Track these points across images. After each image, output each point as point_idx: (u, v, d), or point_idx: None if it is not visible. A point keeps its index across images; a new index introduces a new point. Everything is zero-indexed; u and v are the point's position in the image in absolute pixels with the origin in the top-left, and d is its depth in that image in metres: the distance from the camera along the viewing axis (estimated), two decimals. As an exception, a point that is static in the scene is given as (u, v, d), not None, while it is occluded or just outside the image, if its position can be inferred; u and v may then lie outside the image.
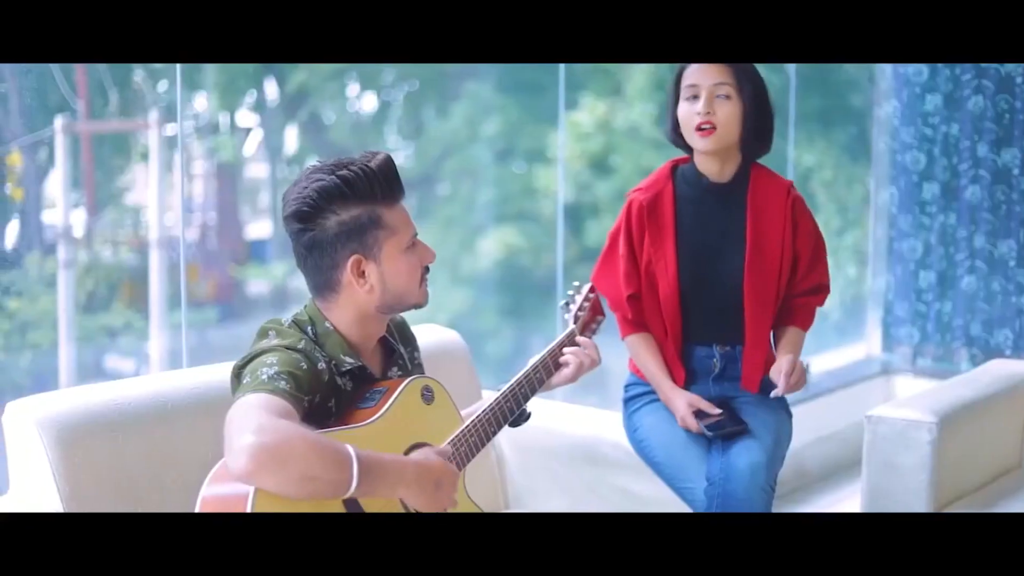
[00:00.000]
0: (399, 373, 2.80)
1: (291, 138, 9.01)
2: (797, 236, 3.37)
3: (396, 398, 2.64)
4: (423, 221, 8.48)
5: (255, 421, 2.31)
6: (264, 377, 2.46)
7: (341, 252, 2.61)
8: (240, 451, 2.26)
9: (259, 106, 8.69)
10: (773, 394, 3.27)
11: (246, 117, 8.90)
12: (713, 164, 3.36)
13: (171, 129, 8.52)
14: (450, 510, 2.59)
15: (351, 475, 2.34)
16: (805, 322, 3.45)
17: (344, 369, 2.65)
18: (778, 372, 3.26)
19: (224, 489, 2.35)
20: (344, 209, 2.59)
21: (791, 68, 6.49)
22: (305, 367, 2.54)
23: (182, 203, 5.21)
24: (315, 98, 8.11)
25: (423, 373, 2.91)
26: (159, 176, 7.08)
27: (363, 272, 2.63)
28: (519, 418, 2.97)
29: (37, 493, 2.77)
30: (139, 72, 7.74)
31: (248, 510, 2.28)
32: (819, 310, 3.51)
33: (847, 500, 5.21)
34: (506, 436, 3.69)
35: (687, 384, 3.41)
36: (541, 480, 3.67)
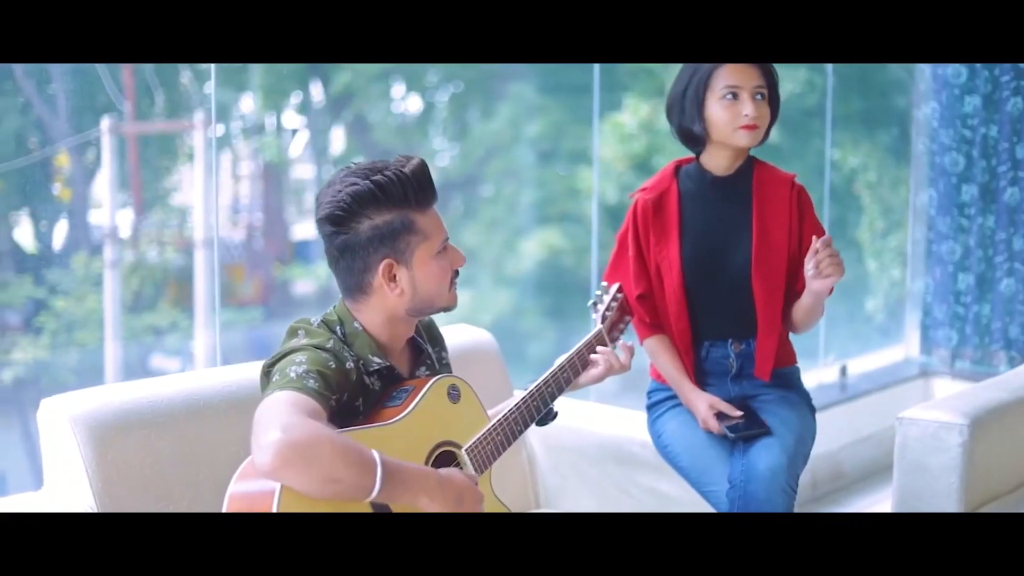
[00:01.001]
0: (427, 373, 2.83)
1: (337, 139, 9.04)
2: (804, 226, 3.39)
3: (422, 397, 2.66)
4: (467, 222, 8.52)
5: (283, 418, 2.34)
6: (293, 375, 2.50)
7: (373, 256, 2.64)
8: (267, 447, 2.30)
9: (304, 107, 8.72)
10: (806, 265, 3.22)
11: (292, 118, 8.94)
12: (723, 159, 3.40)
13: (217, 130, 8.59)
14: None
15: (375, 480, 2.37)
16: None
17: (372, 369, 2.68)
18: (811, 252, 3.20)
19: (251, 486, 2.39)
20: (377, 214, 2.62)
21: (829, 68, 6.47)
22: (333, 366, 2.57)
23: (215, 204, 5.23)
24: (360, 99, 8.14)
25: (450, 373, 2.94)
26: (204, 177, 7.12)
27: (394, 276, 2.66)
28: (546, 417, 2.99)
29: (70, 489, 2.82)
30: (185, 73, 7.79)
31: (274, 506, 2.32)
32: (861, 312, 3.51)
33: (884, 502, 5.19)
34: (537, 436, 3.71)
35: (705, 385, 3.42)
36: (571, 480, 3.69)
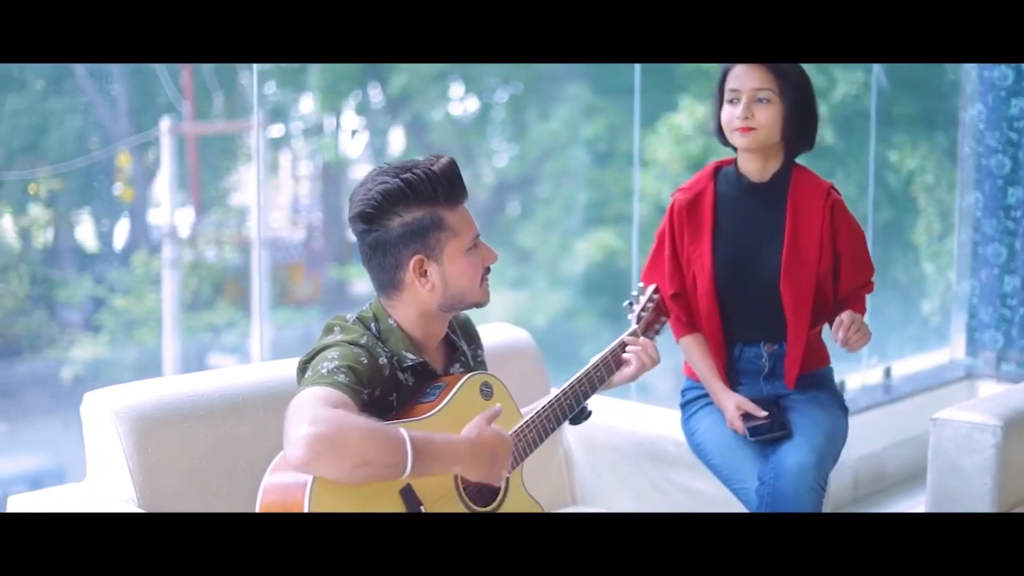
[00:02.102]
0: (461, 370, 2.85)
1: (395, 140, 9.09)
2: (838, 239, 3.39)
3: (455, 393, 2.69)
4: (523, 223, 8.55)
5: (311, 412, 2.39)
6: (324, 371, 2.54)
7: (404, 252, 2.68)
8: (297, 441, 2.34)
9: (363, 108, 8.78)
10: (834, 337, 3.30)
11: (351, 119, 8.99)
12: (755, 163, 3.40)
13: (277, 131, 8.66)
14: (505, 506, 2.64)
15: (405, 458, 2.41)
16: (861, 308, 3.46)
17: (406, 365, 2.71)
18: (839, 325, 3.29)
19: (284, 478, 2.43)
20: (407, 211, 2.66)
21: (877, 68, 6.44)
22: (366, 361, 2.60)
23: (263, 204, 5.29)
24: (418, 100, 8.19)
25: (485, 370, 2.96)
26: (263, 177, 7.18)
27: (425, 272, 2.69)
28: (580, 415, 3.01)
29: (112, 481, 2.87)
30: (244, 74, 7.85)
31: (306, 498, 2.36)
32: (918, 315, 3.51)
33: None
34: (573, 433, 3.73)
35: (737, 384, 3.43)
36: (607, 477, 3.70)
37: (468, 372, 2.83)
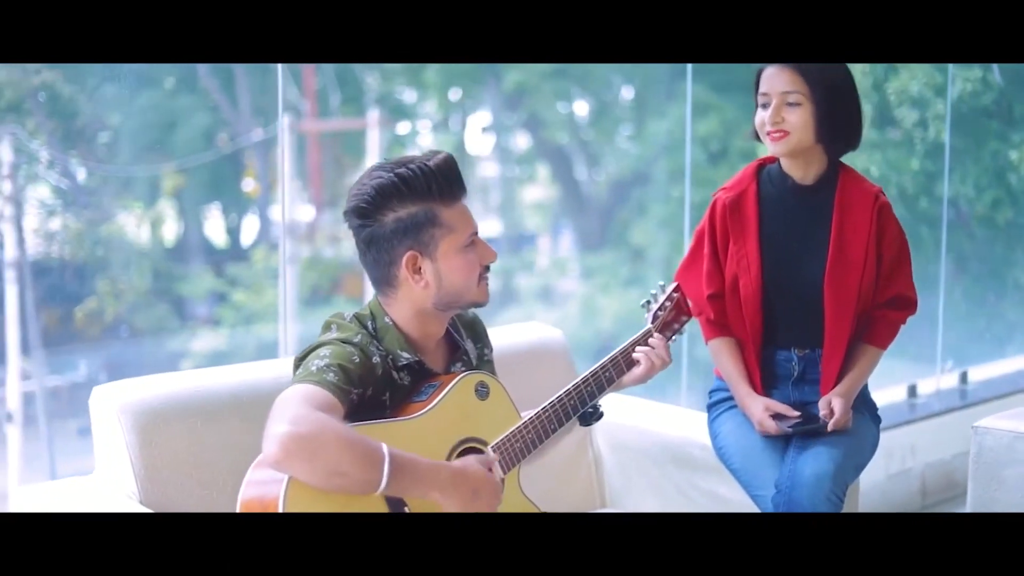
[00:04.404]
0: (462, 369, 2.83)
1: (519, 138, 9.11)
2: (883, 243, 3.29)
3: (447, 393, 2.68)
4: (637, 220, 8.50)
5: (293, 411, 2.40)
6: (314, 368, 2.55)
7: (397, 248, 2.67)
8: (273, 438, 2.36)
9: (485, 106, 8.81)
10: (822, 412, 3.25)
11: (475, 117, 9.03)
12: (797, 166, 3.32)
13: (401, 128, 8.73)
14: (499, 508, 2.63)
15: (381, 474, 2.40)
16: (883, 339, 3.36)
17: (401, 364, 2.71)
18: (826, 405, 3.25)
19: (264, 475, 2.45)
20: (401, 206, 2.65)
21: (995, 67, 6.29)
22: (358, 360, 2.60)
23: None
24: (533, 98, 8.20)
25: (492, 371, 2.94)
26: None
27: (419, 268, 2.68)
28: (590, 416, 2.97)
29: (115, 475, 2.91)
30: (366, 72, 7.94)
31: (281, 495, 2.37)
32: (1010, 317, 3.40)
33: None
34: (603, 435, 3.70)
35: (768, 388, 3.36)
36: (636, 480, 3.66)
37: (472, 371, 2.81)
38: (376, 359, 2.65)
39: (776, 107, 3.23)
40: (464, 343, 2.90)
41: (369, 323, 2.74)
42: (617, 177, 8.19)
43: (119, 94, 7.25)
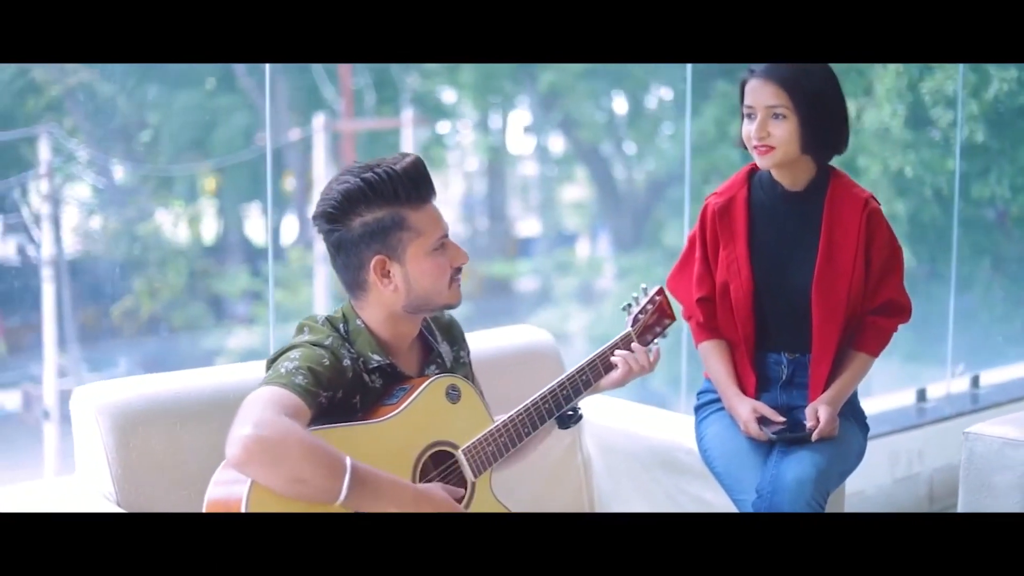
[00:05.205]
0: (436, 372, 2.83)
1: (556, 138, 9.10)
2: (872, 249, 3.26)
3: (417, 396, 2.68)
4: (671, 221, 8.46)
5: (259, 414, 2.41)
6: (283, 371, 2.56)
7: (365, 252, 2.68)
8: (237, 440, 2.37)
9: (522, 106, 8.80)
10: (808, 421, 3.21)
11: (514, 117, 9.03)
12: (786, 175, 3.28)
13: (442, 127, 8.75)
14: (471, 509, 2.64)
15: (342, 485, 2.40)
16: (873, 346, 3.32)
17: (372, 366, 2.71)
18: (812, 413, 3.21)
19: (230, 475, 2.46)
20: (368, 211, 2.66)
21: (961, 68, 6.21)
22: (327, 363, 2.61)
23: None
24: (567, 98, 8.18)
25: (468, 373, 2.94)
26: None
27: (388, 272, 2.69)
28: (569, 419, 2.96)
29: (93, 476, 2.92)
30: (404, 72, 7.95)
31: (244, 497, 2.38)
32: None
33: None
34: (592, 438, 3.68)
35: (758, 391, 3.34)
36: (624, 483, 3.64)
37: (442, 374, 2.81)
38: (347, 362, 2.66)
39: (761, 121, 3.19)
40: (439, 345, 2.90)
41: (341, 326, 2.75)
42: (652, 177, 8.15)
43: (158, 94, 7.32)
